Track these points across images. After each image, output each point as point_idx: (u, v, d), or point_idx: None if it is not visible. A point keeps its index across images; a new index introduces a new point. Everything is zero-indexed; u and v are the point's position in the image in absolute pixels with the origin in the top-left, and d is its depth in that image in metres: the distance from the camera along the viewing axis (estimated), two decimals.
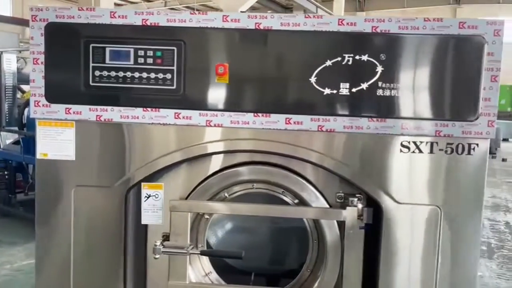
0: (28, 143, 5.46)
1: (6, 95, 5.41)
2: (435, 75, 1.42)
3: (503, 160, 13.48)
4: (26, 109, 5.65)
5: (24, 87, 6.13)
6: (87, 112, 1.48)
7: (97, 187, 1.53)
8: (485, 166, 1.45)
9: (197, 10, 23.11)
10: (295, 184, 1.59)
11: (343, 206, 1.54)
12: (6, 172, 5.66)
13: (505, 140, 20.67)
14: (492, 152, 14.51)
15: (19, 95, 6.10)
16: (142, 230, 1.65)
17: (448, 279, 1.48)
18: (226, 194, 1.63)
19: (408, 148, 1.45)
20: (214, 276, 1.69)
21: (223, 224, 1.91)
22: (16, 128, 5.62)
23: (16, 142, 6.01)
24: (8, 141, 6.36)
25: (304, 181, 1.59)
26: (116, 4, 19.84)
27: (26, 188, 5.76)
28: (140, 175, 1.53)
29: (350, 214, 1.52)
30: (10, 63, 5.35)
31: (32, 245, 4.46)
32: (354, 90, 1.43)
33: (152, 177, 1.58)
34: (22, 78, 5.94)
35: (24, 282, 3.76)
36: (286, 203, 1.61)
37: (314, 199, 1.57)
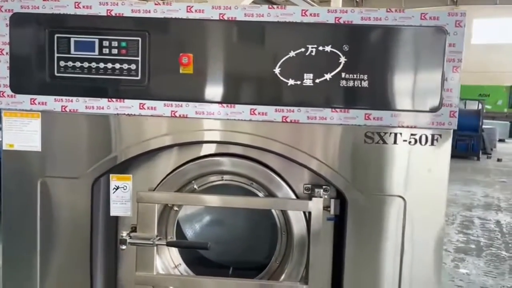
0: None
1: None
2: (397, 66, 1.43)
3: (498, 160, 13.52)
4: None
5: None
6: (52, 103, 1.48)
7: (64, 178, 1.53)
8: (448, 157, 1.46)
9: None
10: (263, 176, 1.59)
11: (310, 197, 1.54)
12: None
13: (501, 140, 20.71)
14: (488, 152, 14.56)
15: None
16: (113, 222, 1.65)
17: (413, 267, 1.49)
18: (195, 186, 1.64)
19: (372, 139, 1.46)
20: (183, 267, 1.69)
21: (198, 218, 1.91)
22: None
23: None
24: None
25: (272, 173, 1.59)
26: None
27: None
28: (107, 166, 1.53)
29: (315, 205, 1.52)
30: None
31: None
32: (317, 81, 1.43)
33: (121, 169, 1.58)
34: None
35: None
36: (255, 195, 1.62)
37: (282, 191, 1.58)
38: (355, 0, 28.48)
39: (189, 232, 1.89)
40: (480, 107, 14.00)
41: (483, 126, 15.60)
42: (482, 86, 24.46)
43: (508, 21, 25.34)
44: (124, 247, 1.54)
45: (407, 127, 1.44)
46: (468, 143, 13.45)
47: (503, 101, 23.96)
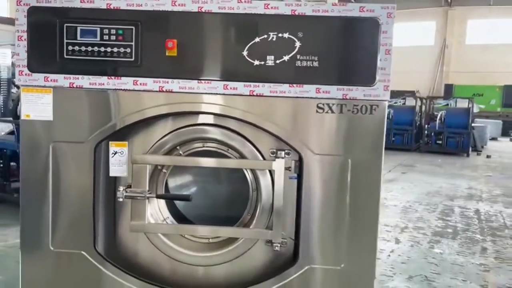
0: None
1: (1, 88, 5.73)
2: (342, 49, 1.76)
3: (487, 156, 13.86)
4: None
5: None
6: (62, 80, 1.81)
7: (70, 143, 1.86)
8: (384, 123, 1.78)
9: None
10: (237, 143, 1.92)
11: (275, 159, 1.87)
12: (0, 161, 5.96)
13: (494, 139, 21.06)
14: (478, 149, 14.91)
15: (14, 89, 6.41)
16: (113, 181, 1.97)
17: (356, 213, 1.82)
18: (180, 152, 1.97)
19: (323, 109, 1.79)
20: (171, 220, 2.02)
21: (185, 184, 2.23)
22: (10, 118, 5.93)
23: (10, 133, 6.32)
24: (2, 133, 6.67)
25: (244, 140, 1.92)
26: None
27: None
28: (106, 133, 1.85)
29: (278, 164, 1.85)
30: (5, 57, 5.67)
31: None
32: (278, 61, 1.76)
33: (119, 136, 1.91)
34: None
35: (17, 256, 4.08)
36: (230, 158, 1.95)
37: (252, 155, 1.91)
38: (351, 1, 29.03)
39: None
40: (470, 105, 14.31)
41: (474, 124, 15.96)
42: (476, 85, 24.85)
43: (501, 22, 25.73)
44: (121, 199, 1.87)
45: (350, 99, 1.77)
46: (458, 140, 13.79)
47: (497, 101, 24.35)
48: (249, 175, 1.99)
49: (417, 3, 27.79)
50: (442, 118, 14.13)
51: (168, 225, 1.97)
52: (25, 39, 1.79)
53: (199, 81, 1.79)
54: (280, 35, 1.75)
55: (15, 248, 4.20)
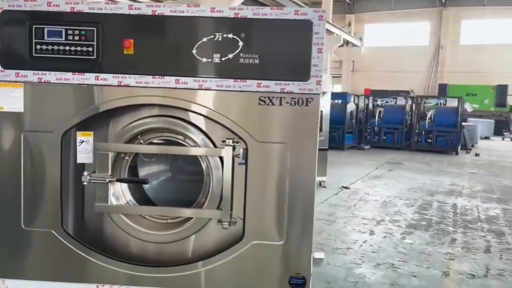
0: None
1: None
2: (280, 48, 1.98)
3: (476, 155, 14.09)
4: None
5: None
6: (31, 76, 2.03)
7: (40, 132, 2.07)
8: (317, 114, 2.00)
9: None
10: (191, 133, 2.14)
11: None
12: None
13: (486, 138, 21.30)
14: (468, 148, 15.13)
15: None
16: (81, 168, 2.18)
17: (295, 198, 2.03)
18: (141, 141, 2.19)
19: (264, 101, 2.01)
20: (133, 202, 2.24)
21: (150, 171, 2.45)
22: None
23: None
24: None
25: (198, 131, 2.13)
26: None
27: None
28: (72, 123, 2.07)
29: (226, 152, 2.07)
30: None
31: None
32: (223, 59, 1.98)
33: (86, 127, 2.12)
34: None
35: None
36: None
37: (205, 144, 2.13)
38: (346, 1, 29.26)
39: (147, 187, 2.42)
40: (459, 105, 14.52)
41: (464, 123, 16.19)
42: (469, 85, 25.07)
43: (495, 23, 25.96)
44: (85, 183, 2.09)
45: (288, 92, 1.99)
46: (447, 138, 14.01)
47: (490, 100, 24.57)
48: (203, 162, 2.21)
49: (412, 4, 28.03)
50: (432, 117, 14.36)
51: (128, 206, 2.19)
52: None
53: (153, 76, 2.01)
54: (225, 35, 1.97)
55: None
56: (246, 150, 2.07)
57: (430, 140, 14.41)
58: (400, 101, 15.95)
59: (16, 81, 2.04)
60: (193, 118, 2.11)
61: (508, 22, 25.81)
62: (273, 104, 2.00)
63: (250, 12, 1.95)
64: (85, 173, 2.09)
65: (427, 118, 14.36)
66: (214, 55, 1.98)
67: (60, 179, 2.10)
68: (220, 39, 1.97)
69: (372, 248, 4.66)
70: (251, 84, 1.99)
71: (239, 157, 2.10)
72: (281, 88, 1.98)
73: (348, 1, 29.19)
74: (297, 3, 18.58)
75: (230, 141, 2.08)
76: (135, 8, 1.98)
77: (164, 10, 1.97)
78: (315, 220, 5.64)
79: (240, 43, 1.97)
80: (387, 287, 3.68)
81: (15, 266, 2.13)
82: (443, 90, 24.85)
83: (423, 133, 14.59)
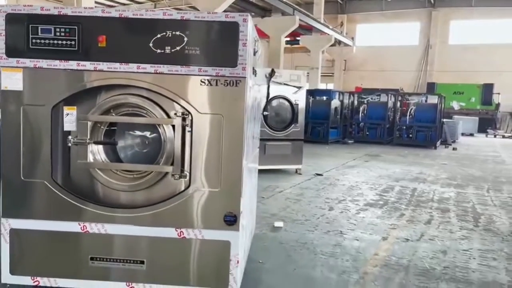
0: None
1: None
2: (215, 42, 2.64)
3: (454, 149, 14.79)
4: None
5: None
6: (28, 63, 2.68)
7: (35, 106, 2.73)
8: (244, 93, 2.66)
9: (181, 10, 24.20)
10: (151, 107, 2.79)
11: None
12: None
13: (471, 135, 21.96)
14: (448, 143, 15.81)
15: None
16: (67, 134, 2.83)
17: (228, 155, 2.69)
18: (113, 114, 2.85)
19: (204, 82, 2.67)
20: (107, 161, 2.90)
21: (121, 138, 3.08)
22: None
23: None
24: None
25: (157, 106, 2.79)
26: (105, 6, 21.05)
27: None
28: (60, 98, 2.72)
29: (177, 121, 2.73)
30: None
31: None
32: (173, 50, 2.64)
33: (71, 102, 2.77)
34: None
35: None
36: None
37: (161, 116, 2.78)
38: (339, 2, 29.92)
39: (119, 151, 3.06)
40: (438, 101, 15.19)
41: (445, 120, 16.87)
42: (457, 84, 25.79)
43: (482, 23, 26.66)
44: (70, 144, 2.75)
45: (221, 76, 2.65)
46: (427, 133, 14.70)
47: (476, 98, 25.27)
48: (161, 130, 2.86)
49: (402, 5, 28.72)
50: (412, 113, 15.04)
51: (102, 162, 2.85)
52: (3, 35, 2.66)
53: (121, 63, 2.66)
54: (174, 32, 2.63)
55: None
56: (191, 121, 2.73)
57: (411, 135, 15.10)
58: (383, 98, 16.62)
59: (17, 67, 2.69)
60: (151, 96, 2.77)
61: (495, 22, 26.51)
62: (211, 84, 2.66)
63: (192, 15, 2.61)
64: (70, 137, 2.76)
65: (408, 114, 15.03)
66: (166, 48, 2.64)
67: (50, 141, 2.76)
68: (170, 35, 2.63)
69: (327, 220, 5.34)
70: (194, 69, 2.65)
71: (188, 126, 2.76)
72: (216, 72, 2.64)
73: (341, 2, 29.85)
74: (288, 4, 19.26)
75: (180, 113, 2.73)
76: (106, 12, 2.64)
77: (128, 14, 2.63)
78: (284, 199, 6.36)
79: (185, 39, 2.62)
80: (331, 247, 4.35)
81: (16, 208, 2.79)
82: (431, 88, 25.54)
83: (404, 128, 15.27)
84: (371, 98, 17.18)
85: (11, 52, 2.68)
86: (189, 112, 2.72)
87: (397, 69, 28.68)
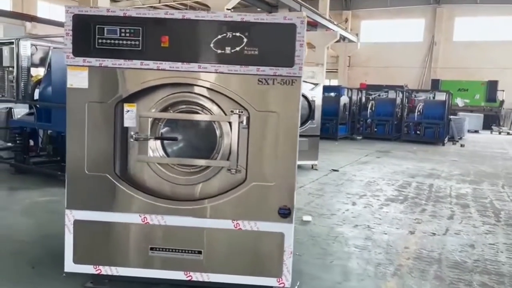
0: (41, 113, 6.79)
1: (22, 75, 6.71)
2: (272, 42, 2.77)
3: (461, 146, 14.93)
4: (36, 88, 6.96)
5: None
6: (94, 62, 2.81)
7: (99, 103, 2.86)
8: (299, 91, 2.79)
9: (190, 6, 24.24)
10: (208, 104, 2.93)
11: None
12: (21, 138, 6.94)
13: (476, 131, 22.10)
14: (455, 140, 15.95)
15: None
16: (126, 130, 2.96)
17: (283, 151, 2.83)
18: (171, 111, 2.98)
19: (262, 82, 2.80)
20: (164, 156, 3.04)
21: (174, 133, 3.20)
22: (29, 102, 6.91)
23: (28, 114, 7.32)
24: (18, 116, 7.66)
25: (213, 103, 2.93)
26: (113, 1, 21.10)
27: (38, 150, 7.07)
28: (122, 96, 2.85)
29: (234, 118, 2.86)
30: (26, 49, 6.64)
31: (44, 190, 5.89)
32: (232, 50, 2.77)
33: (132, 99, 2.90)
34: (32, 62, 7.23)
35: (42, 209, 5.11)
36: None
37: (218, 113, 2.92)
38: None
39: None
40: (447, 98, 15.32)
41: (452, 117, 17.01)
42: (461, 81, 25.94)
43: (487, 20, 26.76)
44: (132, 140, 2.88)
45: (279, 75, 2.78)
46: (435, 130, 14.84)
47: (480, 95, 25.43)
48: (216, 127, 3.00)
49: (407, 1, 28.80)
50: (421, 110, 15.17)
51: (162, 158, 2.99)
52: (70, 35, 2.79)
53: (182, 63, 2.79)
54: (234, 34, 2.75)
55: (40, 204, 5.24)
56: (248, 118, 2.86)
57: (419, 132, 15.24)
58: (391, 94, 16.74)
59: (83, 65, 2.82)
60: (209, 94, 2.90)
61: (499, 19, 26.61)
62: (268, 83, 2.80)
63: (252, 17, 2.74)
64: (132, 132, 2.89)
65: (416, 110, 15.17)
66: (226, 48, 2.77)
67: (113, 137, 2.89)
68: (230, 37, 2.76)
69: (352, 215, 5.49)
70: (252, 69, 2.78)
71: (243, 123, 2.89)
72: (274, 72, 2.77)
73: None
74: (297, 1, 19.31)
75: (237, 110, 2.87)
76: (169, 14, 2.76)
77: (191, 15, 2.76)
78: (307, 194, 6.50)
79: (245, 40, 2.75)
80: (362, 240, 4.50)
81: (80, 200, 2.92)
82: (435, 85, 25.68)
83: (412, 124, 15.41)
84: (379, 95, 17.30)
85: (78, 51, 2.81)
86: (246, 110, 2.85)
87: (401, 66, 28.79)
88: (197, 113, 2.97)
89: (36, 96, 6.91)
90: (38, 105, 6.70)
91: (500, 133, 22.03)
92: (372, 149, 12.82)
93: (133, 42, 2.79)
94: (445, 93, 15.85)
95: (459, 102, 25.30)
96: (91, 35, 2.79)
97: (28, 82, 6.77)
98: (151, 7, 20.28)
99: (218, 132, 3.00)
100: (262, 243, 2.92)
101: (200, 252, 2.94)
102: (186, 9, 22.50)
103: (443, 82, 25.95)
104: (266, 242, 2.92)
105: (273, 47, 2.78)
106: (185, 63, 2.80)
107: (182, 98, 2.94)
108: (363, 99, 17.09)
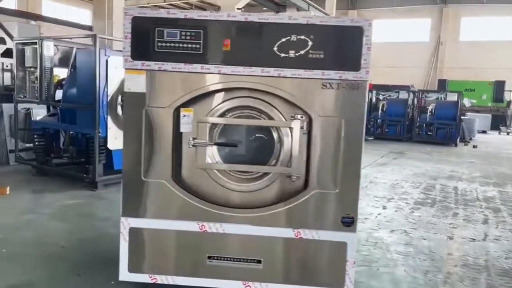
0: (64, 114, 6.71)
1: (45, 76, 6.61)
2: (339, 45, 2.68)
3: (474, 146, 14.84)
4: (57, 89, 6.86)
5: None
6: (153, 65, 2.72)
7: (157, 108, 2.77)
8: (365, 96, 2.71)
9: (195, 6, 24.15)
10: (268, 109, 2.84)
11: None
12: (44, 140, 6.84)
13: (483, 132, 22.02)
14: (466, 140, 15.87)
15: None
16: (180, 135, 2.87)
17: (347, 159, 2.74)
18: (228, 116, 2.89)
19: (326, 86, 2.71)
20: (221, 162, 2.95)
21: (234, 139, 3.09)
22: (53, 103, 6.80)
23: (50, 115, 7.22)
24: (38, 117, 7.55)
25: (273, 108, 2.84)
26: None
27: (62, 151, 6.97)
28: (181, 101, 2.77)
29: (295, 123, 2.78)
30: (49, 49, 6.54)
31: (69, 193, 5.80)
32: (297, 54, 2.68)
33: (189, 104, 2.80)
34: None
35: (72, 212, 5.01)
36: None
37: (277, 117, 2.83)
38: None
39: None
40: (458, 99, 15.24)
41: (463, 117, 16.92)
42: (468, 81, 25.83)
43: (494, 20, 26.67)
44: (190, 146, 2.80)
45: (344, 79, 2.69)
46: (447, 130, 14.76)
47: (488, 96, 25.33)
48: (274, 132, 2.91)
49: (413, 1, 28.71)
50: (433, 111, 15.09)
51: (222, 164, 2.90)
52: (129, 38, 2.70)
53: (244, 67, 2.71)
54: (298, 36, 2.67)
55: (69, 207, 5.14)
56: (310, 123, 2.78)
57: (430, 132, 15.15)
58: (402, 95, 16.65)
59: (141, 69, 2.73)
60: (269, 98, 2.82)
61: (506, 19, 26.52)
62: (332, 88, 2.71)
63: (317, 19, 2.66)
64: (190, 138, 2.81)
65: (428, 111, 15.08)
66: (290, 52, 2.68)
67: (171, 143, 2.81)
68: (295, 40, 2.67)
69: (386, 219, 5.41)
70: (317, 73, 2.69)
71: (303, 128, 2.81)
72: (339, 76, 2.69)
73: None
74: (306, 1, 19.22)
75: (298, 115, 2.78)
76: (232, 16, 2.68)
77: (254, 18, 2.67)
78: None
79: (310, 43, 2.67)
80: (403, 246, 4.42)
81: (136, 208, 2.84)
82: (442, 85, 25.58)
83: (424, 125, 15.32)
84: (390, 95, 17.21)
85: (136, 54, 2.73)
86: (309, 115, 2.77)
87: (408, 66, 28.67)
88: (255, 118, 2.88)
89: (57, 97, 6.81)
90: (61, 106, 6.61)
91: (508, 133, 21.93)
92: (385, 150, 12.73)
93: (193, 46, 2.70)
94: (456, 94, 15.75)
95: (466, 102, 25.19)
96: (150, 38, 2.71)
97: (51, 83, 6.66)
98: (155, 6, 20.17)
99: (276, 138, 2.92)
100: (323, 253, 2.84)
101: (259, 261, 2.86)
102: (192, 8, 22.39)
103: (450, 82, 25.85)
104: (327, 251, 2.84)
105: (339, 51, 2.70)
106: (247, 67, 2.71)
107: (239, 103, 2.85)
108: (373, 100, 16.99)
